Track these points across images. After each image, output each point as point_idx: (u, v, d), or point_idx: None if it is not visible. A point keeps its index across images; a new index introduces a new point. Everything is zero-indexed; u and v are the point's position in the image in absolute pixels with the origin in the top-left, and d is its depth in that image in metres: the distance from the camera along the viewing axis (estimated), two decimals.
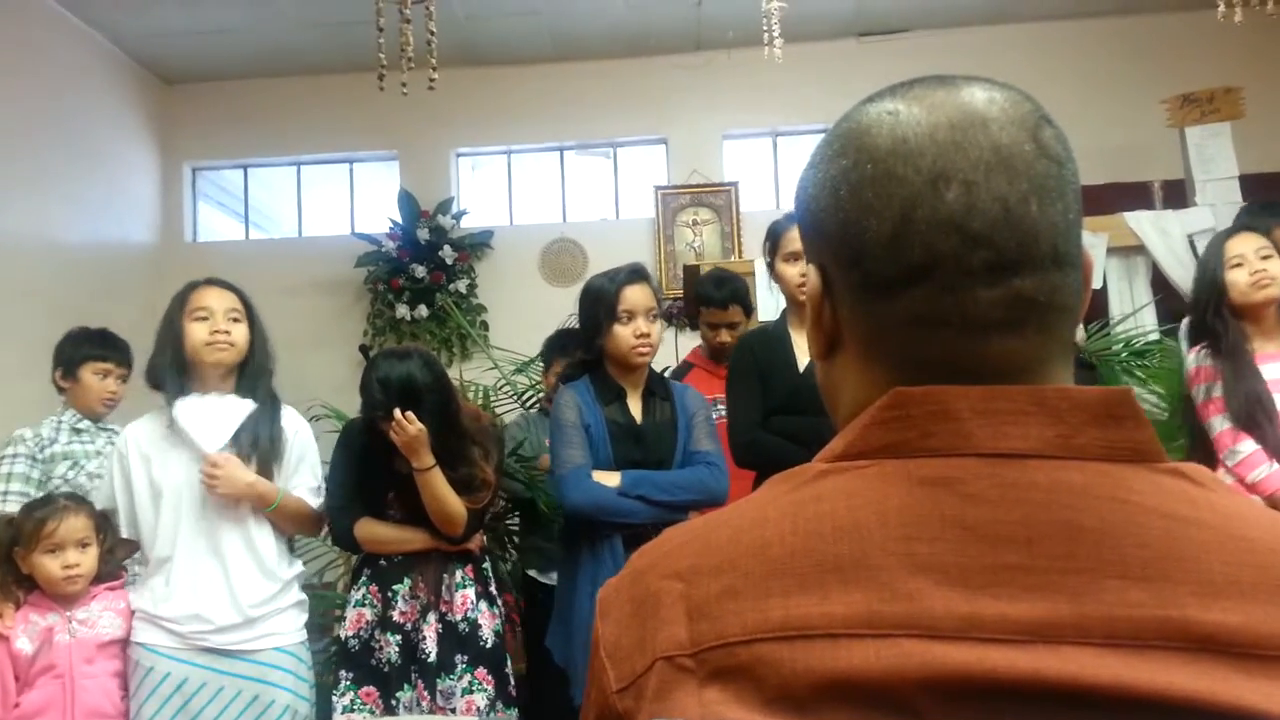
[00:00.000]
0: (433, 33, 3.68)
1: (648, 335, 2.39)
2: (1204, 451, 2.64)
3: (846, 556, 0.50)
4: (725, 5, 5.51)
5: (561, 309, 4.11)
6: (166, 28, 5.67)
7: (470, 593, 2.48)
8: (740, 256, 5.73)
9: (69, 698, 2.19)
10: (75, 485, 2.77)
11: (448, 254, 6.08)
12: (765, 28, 3.95)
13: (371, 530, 2.48)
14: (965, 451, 0.52)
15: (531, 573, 3.13)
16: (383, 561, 2.49)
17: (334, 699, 2.42)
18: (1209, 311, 2.64)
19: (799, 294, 2.42)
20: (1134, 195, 4.72)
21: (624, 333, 2.38)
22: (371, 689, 2.42)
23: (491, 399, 3.80)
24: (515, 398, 3.82)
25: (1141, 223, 4.44)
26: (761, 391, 2.45)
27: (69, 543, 2.23)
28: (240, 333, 2.35)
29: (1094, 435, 0.52)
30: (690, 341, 4.68)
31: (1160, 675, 0.45)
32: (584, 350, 2.51)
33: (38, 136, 5.12)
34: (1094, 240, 4.27)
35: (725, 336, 3.20)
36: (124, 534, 2.35)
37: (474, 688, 2.41)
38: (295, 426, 2.47)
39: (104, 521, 2.33)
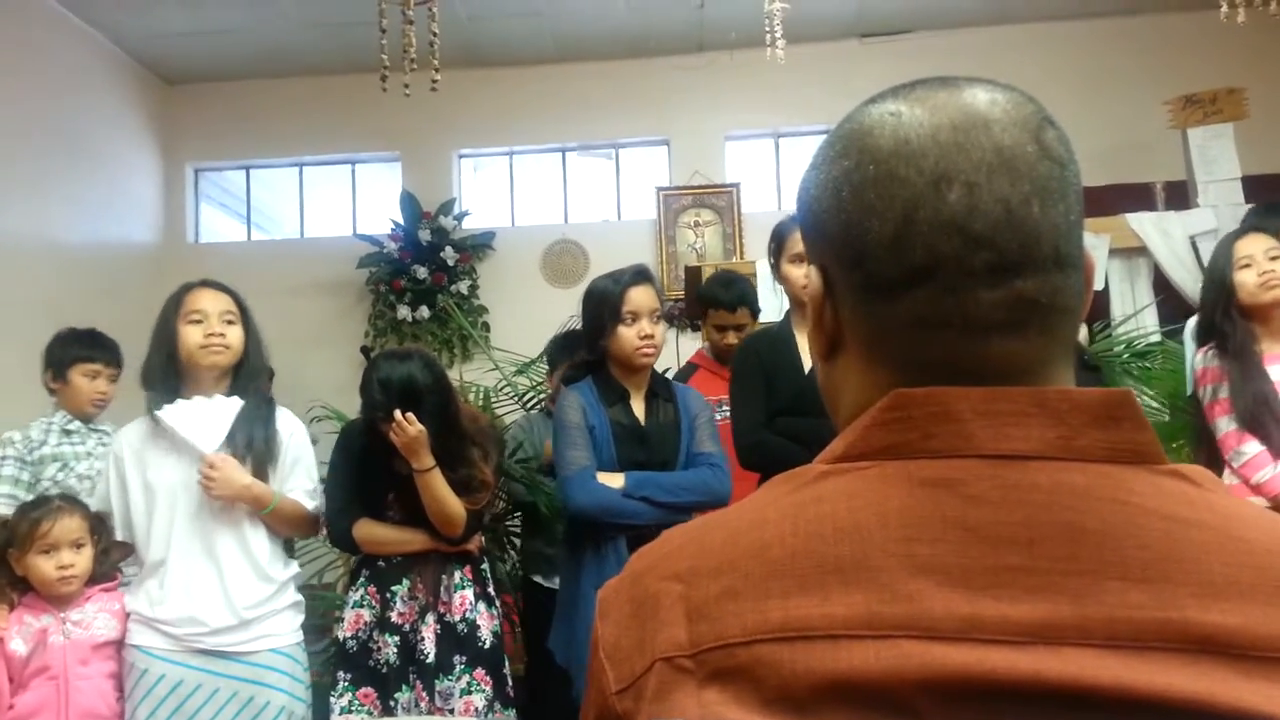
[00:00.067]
0: (435, 34, 3.69)
1: (652, 336, 2.39)
2: (1210, 452, 2.64)
3: (847, 558, 0.50)
4: (727, 6, 5.51)
5: (563, 310, 4.12)
6: (168, 28, 5.67)
7: (469, 593, 2.48)
8: (742, 258, 5.73)
9: (63, 699, 2.18)
10: (65, 487, 2.74)
11: (449, 255, 6.08)
12: (767, 29, 3.95)
13: (370, 531, 2.48)
14: (966, 453, 0.52)
15: (536, 578, 3.12)
16: (381, 562, 2.49)
17: (332, 700, 2.41)
18: (1217, 312, 2.64)
19: (804, 295, 2.41)
20: (1136, 196, 4.72)
21: (628, 334, 2.38)
22: (370, 690, 2.42)
23: (493, 400, 3.80)
24: (516, 399, 3.83)
25: (1143, 224, 4.44)
26: (766, 393, 2.45)
27: (63, 543, 2.23)
28: (235, 335, 2.34)
29: (1095, 437, 0.52)
30: (690, 343, 4.68)
31: (1160, 676, 0.45)
32: (587, 351, 2.50)
33: (39, 137, 5.13)
34: (1096, 241, 4.27)
35: (732, 338, 3.18)
36: (119, 536, 2.34)
37: (472, 688, 2.41)
38: (290, 428, 2.46)
39: (99, 523, 2.32)
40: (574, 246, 6.31)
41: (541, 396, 3.65)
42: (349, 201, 6.69)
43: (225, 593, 2.26)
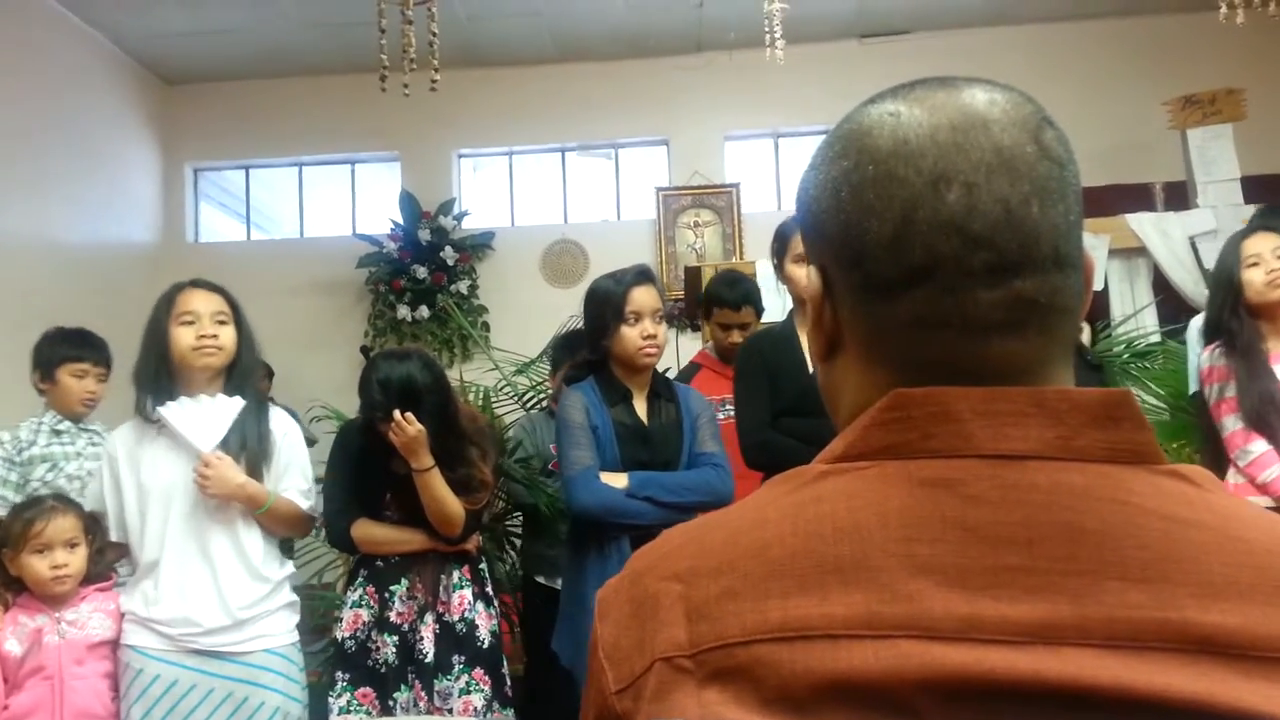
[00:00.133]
0: (434, 33, 3.69)
1: (655, 336, 2.40)
2: (1215, 451, 2.64)
3: (847, 558, 0.50)
4: (727, 6, 5.51)
5: (563, 310, 4.12)
6: (168, 28, 5.67)
7: (467, 593, 2.48)
8: (741, 258, 5.73)
9: (58, 699, 2.17)
10: (54, 488, 2.72)
11: (449, 255, 6.09)
12: (767, 29, 3.95)
13: (369, 531, 2.48)
14: (966, 453, 0.52)
15: (540, 579, 3.12)
16: (379, 562, 2.49)
17: (330, 700, 2.41)
18: (1224, 310, 2.64)
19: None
20: (1135, 197, 4.73)
21: (631, 334, 2.38)
22: (368, 690, 2.41)
23: (492, 400, 3.80)
24: (516, 399, 3.82)
25: (1143, 224, 4.45)
26: (770, 392, 2.45)
27: (57, 543, 2.22)
28: (228, 335, 2.32)
29: (1094, 437, 0.52)
30: (690, 343, 4.69)
31: (1159, 677, 0.45)
32: (589, 351, 2.50)
33: (38, 137, 5.13)
34: (1095, 242, 4.27)
35: (736, 337, 3.19)
36: (113, 537, 2.33)
37: (471, 688, 2.41)
38: (284, 428, 2.45)
39: (93, 522, 2.31)
40: (573, 246, 6.31)
41: (542, 396, 3.65)
42: (348, 201, 6.70)
43: (219, 593, 2.25)
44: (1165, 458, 0.54)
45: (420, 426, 2.33)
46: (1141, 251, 4.47)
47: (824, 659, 0.47)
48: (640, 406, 2.44)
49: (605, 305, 2.41)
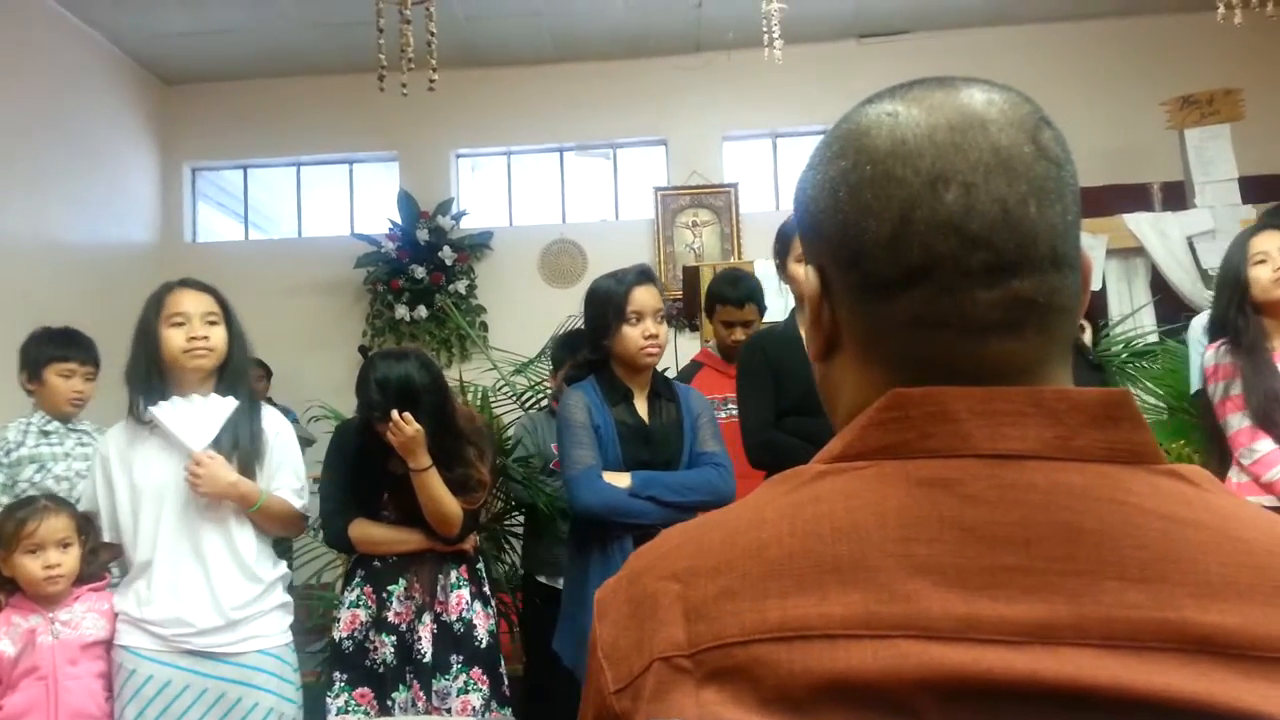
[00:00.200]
0: (433, 33, 3.69)
1: (656, 336, 2.40)
2: (1220, 449, 2.64)
3: (845, 557, 0.50)
4: (725, 6, 5.52)
5: (561, 310, 4.12)
6: (167, 28, 5.67)
7: (465, 593, 2.48)
8: (740, 258, 5.74)
9: (52, 699, 2.17)
10: (42, 488, 2.70)
11: (447, 255, 6.09)
12: (765, 29, 3.96)
13: (366, 531, 2.47)
14: (964, 453, 0.52)
15: (540, 578, 3.12)
16: (377, 562, 2.49)
17: (328, 700, 2.41)
18: (1230, 307, 2.64)
19: None
20: (1133, 197, 4.74)
21: (633, 334, 2.38)
22: (366, 690, 2.41)
23: (491, 400, 3.80)
24: (514, 399, 3.82)
25: (1141, 224, 4.46)
26: (774, 391, 2.45)
27: (50, 543, 2.21)
28: (218, 336, 2.31)
29: (1092, 437, 0.52)
30: (688, 343, 4.69)
31: (1158, 676, 0.45)
32: (590, 351, 2.50)
33: (38, 136, 5.13)
34: (1093, 242, 4.28)
35: (739, 334, 3.20)
36: (106, 537, 2.32)
37: (469, 688, 2.41)
38: (276, 427, 2.44)
39: (85, 522, 2.31)
40: (572, 246, 6.31)
41: (540, 396, 3.65)
42: (347, 201, 6.70)
43: (212, 593, 2.25)
44: (1164, 457, 0.54)
45: (418, 426, 2.33)
46: (1139, 251, 4.47)
47: (822, 659, 0.47)
48: (641, 406, 2.44)
49: (607, 305, 2.41)
